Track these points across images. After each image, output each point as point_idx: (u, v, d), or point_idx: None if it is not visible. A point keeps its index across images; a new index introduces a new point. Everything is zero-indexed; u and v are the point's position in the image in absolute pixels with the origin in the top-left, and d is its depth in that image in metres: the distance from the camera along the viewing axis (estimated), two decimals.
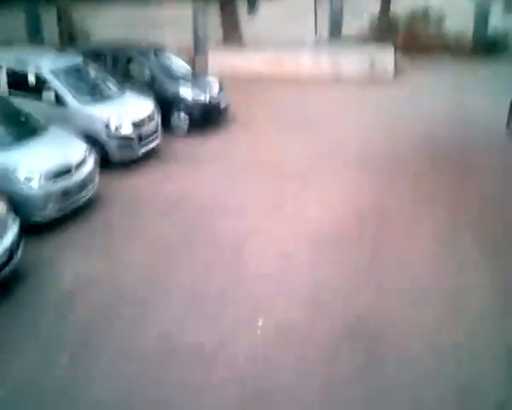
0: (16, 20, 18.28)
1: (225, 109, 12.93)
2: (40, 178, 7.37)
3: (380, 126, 12.61)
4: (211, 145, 11.43)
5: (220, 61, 17.88)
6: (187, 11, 20.67)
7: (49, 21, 18.46)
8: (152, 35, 19.10)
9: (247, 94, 15.12)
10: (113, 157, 9.63)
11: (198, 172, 9.82)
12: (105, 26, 18.82)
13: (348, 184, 9.26)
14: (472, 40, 20.46)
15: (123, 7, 19.99)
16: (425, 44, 20.47)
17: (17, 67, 9.85)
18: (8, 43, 14.96)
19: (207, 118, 12.27)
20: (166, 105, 11.56)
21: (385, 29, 20.26)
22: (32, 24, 18.48)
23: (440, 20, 20.82)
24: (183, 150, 11.00)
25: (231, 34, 20.42)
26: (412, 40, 20.55)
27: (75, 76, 10.16)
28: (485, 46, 19.98)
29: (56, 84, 9.58)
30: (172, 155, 10.77)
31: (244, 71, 17.36)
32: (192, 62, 15.27)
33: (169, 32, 19.66)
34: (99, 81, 10.57)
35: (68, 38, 18.04)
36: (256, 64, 17.82)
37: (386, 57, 17.62)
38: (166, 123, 11.42)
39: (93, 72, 10.62)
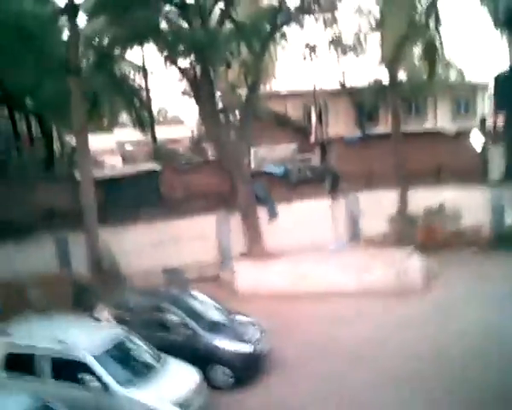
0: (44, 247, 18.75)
1: (268, 354, 12.44)
2: None
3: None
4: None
5: (246, 277, 18.14)
6: (209, 222, 21.41)
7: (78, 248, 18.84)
8: (175, 252, 19.94)
9: (279, 317, 15.07)
10: None
11: None
12: (129, 247, 19.32)
13: None
14: (490, 234, 20.82)
15: (145, 224, 20.55)
16: (444, 239, 20.95)
17: (54, 354, 9.68)
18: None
19: (252, 370, 11.76)
20: (204, 358, 11.36)
21: (404, 229, 20.80)
22: (61, 250, 18.96)
23: (457, 214, 21.43)
24: None
25: (255, 244, 20.97)
26: (430, 236, 21.11)
27: (115, 353, 10.07)
28: (504, 239, 20.28)
29: (96, 368, 9.46)
30: None
31: (269, 286, 17.57)
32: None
33: (191, 247, 20.37)
34: (139, 354, 10.48)
35: (96, 266, 18.32)
36: (281, 279, 18.01)
37: (412, 264, 17.68)
38: (206, 377, 11.11)
39: (132, 343, 10.58)
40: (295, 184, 22.32)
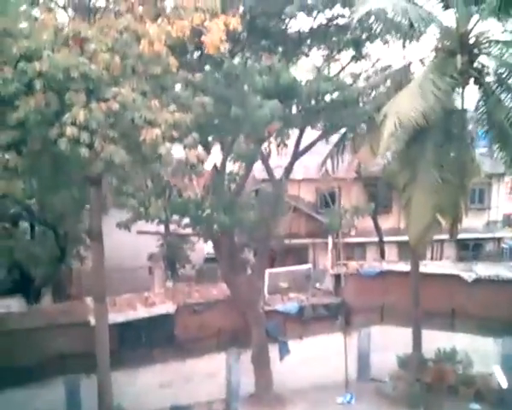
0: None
1: None
2: None
3: None
4: None
5: None
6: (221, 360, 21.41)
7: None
8: (185, 391, 19.96)
9: None
10: None
11: None
12: (138, 388, 19.36)
13: None
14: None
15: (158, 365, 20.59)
16: (452, 384, 20.72)
17: None
18: None
19: None
20: None
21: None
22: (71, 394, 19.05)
23: (468, 363, 21.14)
24: None
25: (264, 388, 21.00)
26: (440, 378, 20.82)
27: None
28: None
29: None
30: None
31: None
32: None
33: (201, 386, 20.35)
34: None
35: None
36: None
37: None
38: None
39: None
40: (309, 320, 22.46)
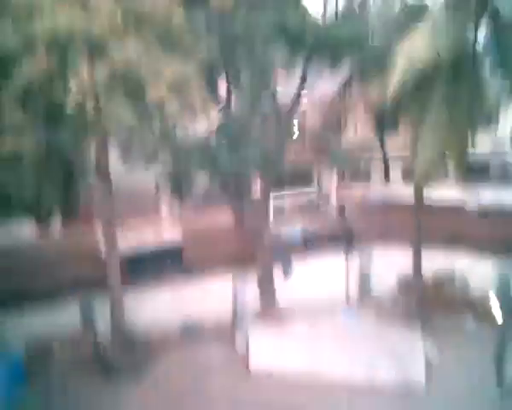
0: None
1: None
2: None
3: None
4: None
5: (260, 354, 18.82)
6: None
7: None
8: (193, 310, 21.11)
9: None
10: None
11: None
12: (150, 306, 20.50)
13: None
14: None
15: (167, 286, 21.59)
16: (450, 303, 21.80)
17: None
18: None
19: None
20: None
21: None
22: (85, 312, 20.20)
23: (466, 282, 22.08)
24: None
25: (269, 307, 22.00)
26: (438, 297, 21.85)
27: None
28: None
29: None
30: None
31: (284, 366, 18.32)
32: None
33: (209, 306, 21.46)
34: None
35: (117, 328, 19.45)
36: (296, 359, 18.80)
37: (415, 358, 18.14)
38: None
39: None
40: (312, 245, 23.17)
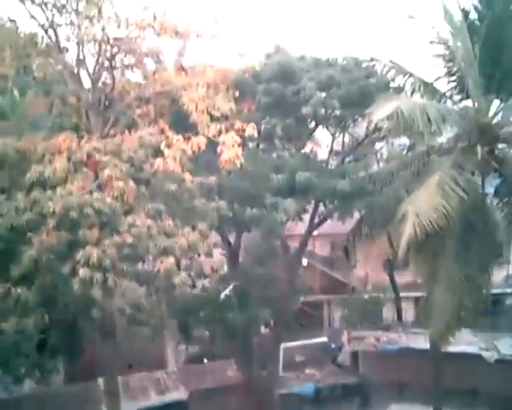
0: None
1: None
2: None
3: None
4: None
5: None
6: None
7: None
8: None
9: None
10: None
11: None
12: None
13: None
14: None
15: None
16: None
17: None
18: None
19: None
20: None
21: None
22: None
23: None
24: None
25: None
26: None
27: None
28: None
29: None
30: None
31: None
32: None
33: None
34: None
35: None
36: None
37: None
38: None
39: None
40: (325, 402, 21.91)
